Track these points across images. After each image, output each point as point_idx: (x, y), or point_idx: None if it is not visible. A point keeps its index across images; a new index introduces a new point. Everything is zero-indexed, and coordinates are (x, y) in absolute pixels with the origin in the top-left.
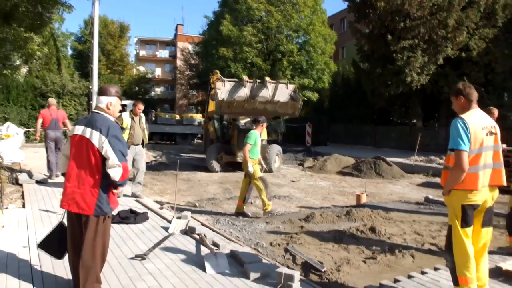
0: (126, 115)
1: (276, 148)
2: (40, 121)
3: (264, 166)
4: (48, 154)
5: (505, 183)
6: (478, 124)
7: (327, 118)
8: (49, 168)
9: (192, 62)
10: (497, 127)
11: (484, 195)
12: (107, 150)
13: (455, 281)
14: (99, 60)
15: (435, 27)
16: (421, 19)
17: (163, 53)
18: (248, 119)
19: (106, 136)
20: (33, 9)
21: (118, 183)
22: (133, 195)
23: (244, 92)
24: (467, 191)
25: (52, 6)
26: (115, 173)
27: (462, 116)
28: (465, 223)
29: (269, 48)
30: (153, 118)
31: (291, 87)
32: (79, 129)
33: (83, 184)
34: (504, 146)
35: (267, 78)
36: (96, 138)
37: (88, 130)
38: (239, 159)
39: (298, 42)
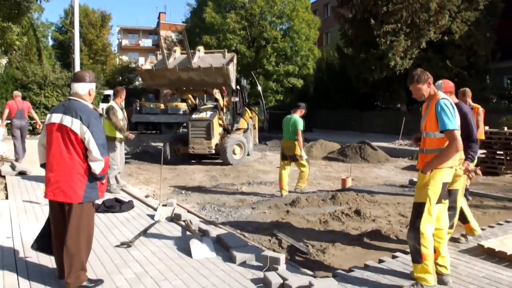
0: (116, 106)
1: (235, 139)
2: (6, 111)
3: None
4: (14, 142)
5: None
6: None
7: (312, 104)
8: (16, 152)
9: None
10: None
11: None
12: (89, 142)
13: (419, 258)
14: (81, 50)
15: (418, 11)
16: (404, 3)
17: (146, 42)
18: (210, 106)
19: (88, 126)
20: None
21: (98, 176)
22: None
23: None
24: (449, 169)
25: None
26: (96, 167)
27: (446, 97)
28: (440, 200)
29: (253, 35)
30: (138, 108)
31: (229, 55)
32: (57, 117)
33: (70, 173)
34: (487, 128)
35: (200, 47)
36: (77, 126)
37: (68, 118)
38: (190, 150)
39: (282, 28)
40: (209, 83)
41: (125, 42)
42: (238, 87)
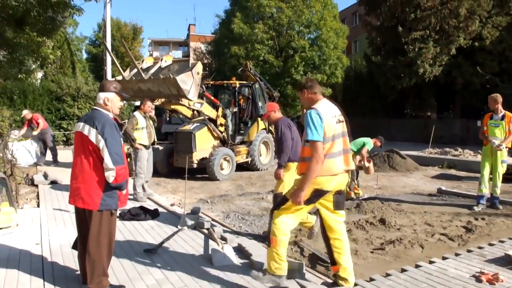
0: (139, 115)
1: (222, 152)
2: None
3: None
4: (53, 147)
5: (353, 167)
6: (329, 114)
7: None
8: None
9: (205, 61)
10: (342, 115)
11: (339, 180)
12: (103, 150)
13: (268, 243)
14: (113, 63)
15: (447, 17)
16: (432, 9)
17: (176, 54)
18: (200, 117)
19: (102, 135)
20: (45, 13)
21: (112, 185)
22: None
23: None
24: (325, 177)
25: (62, 10)
26: (108, 175)
27: (315, 107)
28: (308, 202)
29: (281, 44)
30: (167, 118)
31: (192, 63)
32: (79, 126)
33: (88, 180)
34: None
35: (166, 57)
36: (93, 135)
37: (87, 127)
38: (175, 164)
39: (310, 37)
40: (166, 94)
41: (155, 54)
42: (249, 96)
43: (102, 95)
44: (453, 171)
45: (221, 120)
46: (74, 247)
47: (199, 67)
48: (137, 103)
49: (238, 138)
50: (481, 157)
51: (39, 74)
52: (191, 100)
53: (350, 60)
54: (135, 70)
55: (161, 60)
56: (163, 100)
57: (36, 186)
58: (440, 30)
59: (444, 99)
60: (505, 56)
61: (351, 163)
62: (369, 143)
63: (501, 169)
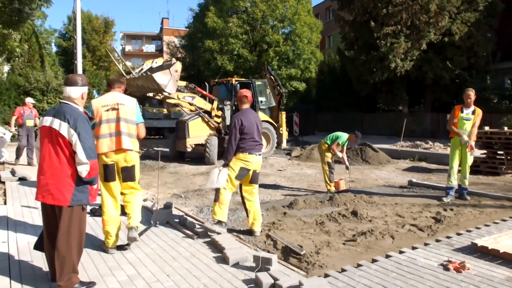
0: None
1: (215, 140)
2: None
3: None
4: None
5: (125, 147)
6: (100, 103)
7: (314, 108)
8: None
9: (179, 55)
10: (123, 104)
11: (115, 157)
12: (76, 144)
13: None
14: (85, 57)
15: (417, 13)
16: (403, 4)
17: (150, 48)
18: (200, 107)
19: (75, 129)
20: (11, 5)
21: (85, 180)
22: None
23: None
24: (102, 154)
25: (30, 1)
26: (81, 169)
27: (93, 99)
28: (106, 179)
29: (255, 39)
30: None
31: (172, 64)
32: (47, 120)
33: (58, 175)
34: (487, 128)
35: (158, 59)
36: (65, 129)
37: (57, 121)
38: (176, 148)
39: (284, 32)
40: (152, 89)
41: (128, 48)
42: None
43: (78, 90)
44: (424, 164)
45: (216, 112)
46: (36, 247)
47: (177, 66)
48: None
49: None
50: (450, 150)
51: (6, 68)
52: (169, 93)
53: (324, 55)
54: (141, 70)
55: (152, 61)
56: (162, 95)
57: (3, 183)
58: (411, 25)
59: (415, 93)
60: (473, 52)
61: (124, 144)
62: (342, 137)
63: (470, 161)
